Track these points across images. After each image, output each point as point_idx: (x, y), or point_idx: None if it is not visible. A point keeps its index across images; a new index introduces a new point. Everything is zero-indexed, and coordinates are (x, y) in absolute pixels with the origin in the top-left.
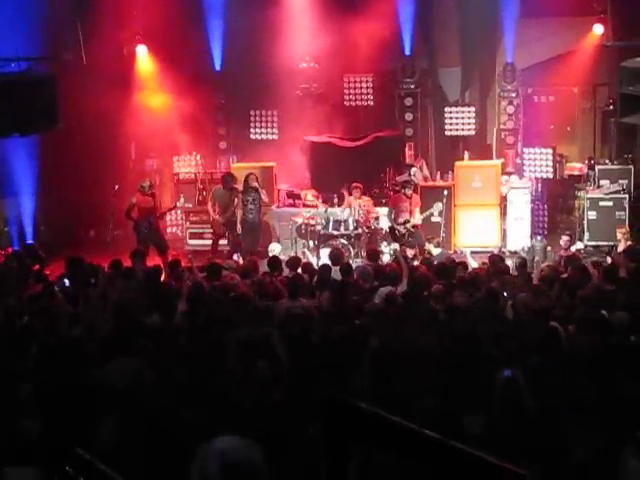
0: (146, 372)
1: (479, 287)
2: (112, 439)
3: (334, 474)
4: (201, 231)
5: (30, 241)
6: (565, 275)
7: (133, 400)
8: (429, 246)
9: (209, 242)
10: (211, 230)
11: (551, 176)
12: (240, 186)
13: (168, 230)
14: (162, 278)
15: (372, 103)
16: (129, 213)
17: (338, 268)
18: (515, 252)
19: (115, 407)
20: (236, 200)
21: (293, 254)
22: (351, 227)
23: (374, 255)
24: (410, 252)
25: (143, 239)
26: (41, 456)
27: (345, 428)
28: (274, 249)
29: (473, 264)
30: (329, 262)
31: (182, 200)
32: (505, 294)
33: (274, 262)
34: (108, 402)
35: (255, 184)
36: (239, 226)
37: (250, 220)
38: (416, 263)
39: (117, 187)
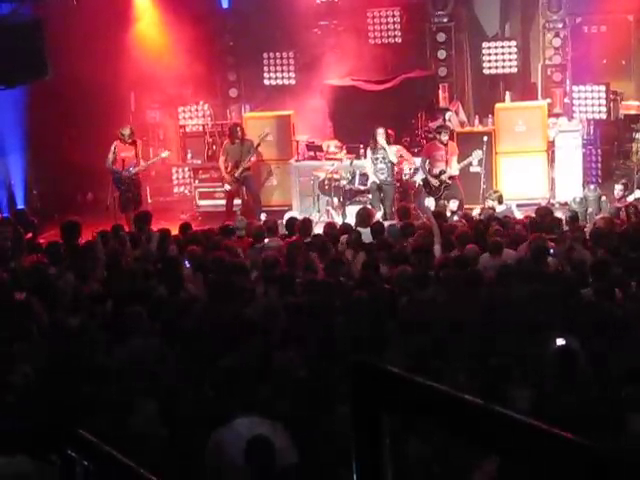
0: (158, 352)
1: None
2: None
3: (365, 450)
4: (212, 190)
5: (21, 206)
6: (623, 228)
7: (147, 381)
8: (490, 202)
9: (221, 202)
10: (223, 189)
11: (604, 117)
12: (256, 139)
13: (175, 190)
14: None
15: (400, 40)
16: (112, 165)
17: (368, 229)
18: (565, 204)
19: (128, 389)
20: (249, 154)
21: (316, 213)
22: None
23: (405, 213)
24: (454, 204)
25: (124, 192)
26: (39, 441)
27: (376, 395)
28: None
29: (520, 218)
30: (357, 222)
31: (167, 152)
32: (552, 251)
33: (292, 223)
34: (119, 384)
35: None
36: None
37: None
38: (456, 218)
39: None
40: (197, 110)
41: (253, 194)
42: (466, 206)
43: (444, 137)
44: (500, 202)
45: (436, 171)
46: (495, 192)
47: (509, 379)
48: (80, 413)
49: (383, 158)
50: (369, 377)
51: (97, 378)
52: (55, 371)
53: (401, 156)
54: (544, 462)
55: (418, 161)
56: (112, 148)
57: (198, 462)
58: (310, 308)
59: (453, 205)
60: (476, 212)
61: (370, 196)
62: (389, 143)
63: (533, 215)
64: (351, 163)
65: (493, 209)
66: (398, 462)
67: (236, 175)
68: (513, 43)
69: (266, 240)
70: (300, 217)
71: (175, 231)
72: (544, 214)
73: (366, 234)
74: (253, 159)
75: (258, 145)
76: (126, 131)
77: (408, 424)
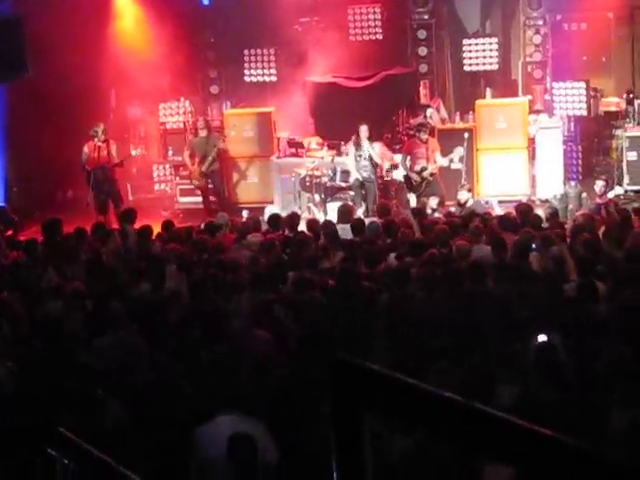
0: (137, 347)
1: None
2: (107, 420)
3: (346, 448)
4: (193, 187)
5: (1, 204)
6: (603, 225)
7: (125, 378)
8: (462, 194)
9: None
10: (192, 185)
11: (585, 113)
12: (221, 134)
13: (156, 187)
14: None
15: (381, 37)
16: (84, 166)
17: (348, 225)
18: (546, 200)
19: (105, 387)
20: (215, 147)
21: (298, 210)
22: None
23: (384, 210)
24: (434, 202)
25: (97, 193)
26: (19, 440)
27: (356, 393)
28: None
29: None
30: (338, 218)
31: (139, 149)
32: (534, 246)
33: (275, 219)
34: (97, 382)
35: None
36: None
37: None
38: (437, 215)
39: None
40: (178, 107)
41: (217, 190)
42: (447, 203)
43: (423, 135)
44: (469, 191)
45: (417, 168)
46: (464, 185)
47: (493, 376)
48: (59, 410)
49: (367, 154)
50: (349, 375)
51: (77, 374)
52: (35, 367)
53: (383, 155)
54: (526, 460)
55: (399, 158)
56: (84, 149)
57: (180, 459)
58: (293, 305)
59: (433, 202)
60: (434, 203)
61: (352, 193)
62: (371, 140)
63: (513, 212)
64: (332, 160)
65: (464, 202)
66: (381, 459)
67: (203, 169)
68: (494, 40)
69: (248, 236)
70: (282, 213)
71: (157, 228)
72: (525, 211)
73: (347, 230)
74: (220, 146)
75: (224, 139)
76: (98, 128)
77: (391, 421)
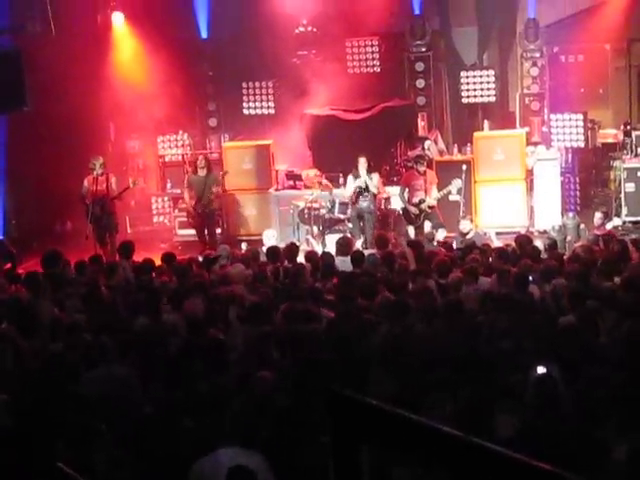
0: (134, 380)
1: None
2: (102, 456)
3: (344, 479)
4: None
5: None
6: (601, 256)
7: (121, 411)
8: (464, 224)
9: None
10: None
11: (582, 145)
12: (219, 170)
13: (155, 220)
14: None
15: (379, 70)
16: (84, 199)
17: (348, 258)
18: (544, 232)
19: (101, 419)
20: (213, 186)
21: (296, 242)
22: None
23: (383, 241)
24: (442, 234)
25: (97, 227)
26: (15, 476)
27: (353, 427)
28: (269, 236)
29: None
30: (337, 250)
31: (140, 180)
32: (531, 278)
33: (273, 251)
34: (93, 415)
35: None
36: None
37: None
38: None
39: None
40: (176, 140)
41: (210, 231)
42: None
43: (421, 167)
44: (471, 221)
45: (415, 200)
46: (464, 216)
47: (492, 408)
48: (58, 444)
49: (367, 187)
50: (346, 408)
51: (74, 408)
52: (33, 400)
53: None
54: None
55: (397, 190)
56: (84, 183)
57: None
58: (291, 336)
59: (441, 234)
60: (442, 235)
61: (350, 225)
62: (369, 172)
63: (512, 244)
64: (330, 192)
65: (467, 232)
66: None
67: (199, 211)
68: (491, 72)
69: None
70: (280, 245)
71: (157, 261)
72: (523, 242)
73: (346, 263)
74: (215, 190)
75: (223, 175)
76: (97, 162)
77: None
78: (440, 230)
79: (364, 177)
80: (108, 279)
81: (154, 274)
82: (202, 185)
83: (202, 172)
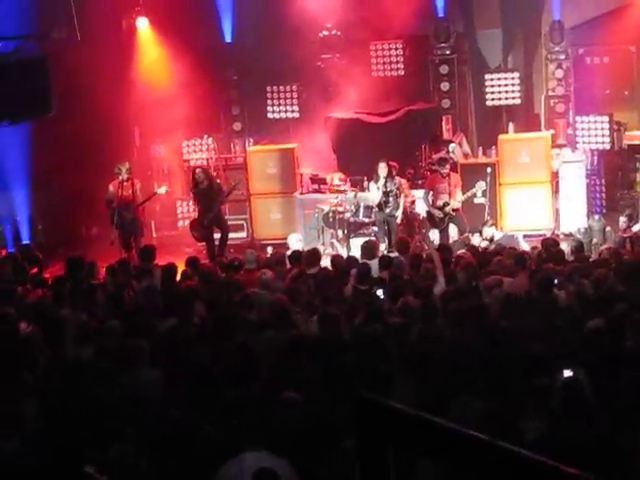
0: (160, 386)
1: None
2: (127, 459)
3: None
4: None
5: (26, 241)
6: (628, 259)
7: (148, 416)
8: (488, 230)
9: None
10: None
11: (608, 147)
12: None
13: (179, 224)
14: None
15: (403, 73)
16: (110, 204)
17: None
18: (570, 234)
19: (129, 424)
20: (217, 198)
21: (321, 246)
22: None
23: (403, 245)
24: (489, 231)
25: (122, 232)
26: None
27: (380, 432)
28: (294, 239)
29: (526, 249)
30: (362, 254)
31: (164, 187)
32: (556, 281)
33: (296, 256)
34: (121, 419)
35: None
36: None
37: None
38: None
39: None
40: (201, 144)
41: (221, 238)
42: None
43: (444, 170)
44: (492, 226)
45: (439, 203)
46: (485, 222)
47: (519, 412)
48: (86, 447)
49: (390, 191)
50: (373, 413)
51: (103, 412)
52: (62, 405)
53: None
54: None
55: (421, 193)
56: (110, 188)
57: None
58: (317, 342)
59: (488, 232)
60: (478, 241)
61: (375, 228)
62: (392, 176)
63: (539, 246)
64: (355, 196)
65: (492, 237)
66: None
67: (205, 223)
68: (516, 74)
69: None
70: (305, 249)
71: (181, 265)
72: (549, 245)
73: (372, 266)
74: (222, 199)
75: (228, 194)
76: (122, 167)
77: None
78: (485, 229)
79: (389, 182)
80: (137, 283)
81: (181, 278)
82: (206, 197)
83: (202, 185)
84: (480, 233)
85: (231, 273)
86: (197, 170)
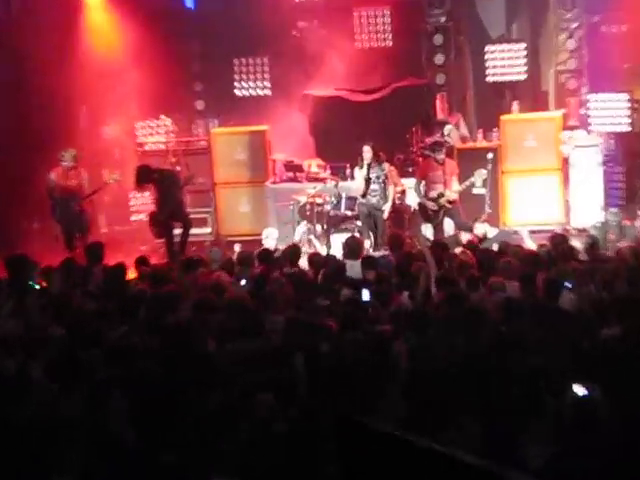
0: (113, 402)
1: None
2: None
3: None
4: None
5: None
6: None
7: (97, 437)
8: (480, 226)
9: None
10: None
11: (627, 129)
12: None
13: (133, 218)
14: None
15: (391, 43)
16: (51, 194)
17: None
18: (583, 230)
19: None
20: (174, 188)
21: (294, 242)
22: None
23: (397, 242)
24: (481, 227)
25: (65, 226)
26: None
27: (364, 455)
28: (269, 235)
29: (532, 247)
30: (344, 253)
31: (115, 176)
32: (569, 285)
33: (266, 255)
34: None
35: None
36: None
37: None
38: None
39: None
40: (158, 126)
41: (183, 235)
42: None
43: (440, 155)
44: (484, 222)
45: (433, 194)
46: (476, 218)
47: (520, 434)
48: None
49: (377, 177)
50: (357, 435)
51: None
52: None
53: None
54: None
55: (411, 182)
56: (51, 176)
57: None
58: (288, 352)
59: (481, 228)
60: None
61: (358, 223)
62: (379, 161)
63: (547, 244)
64: (336, 185)
65: (484, 235)
66: None
67: (161, 218)
68: (521, 46)
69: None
70: (279, 246)
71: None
72: (558, 242)
73: (355, 267)
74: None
75: (184, 186)
76: (67, 154)
77: None
78: (478, 223)
79: (374, 169)
80: (82, 286)
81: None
82: (166, 190)
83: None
84: (471, 230)
85: (191, 274)
86: (143, 169)
